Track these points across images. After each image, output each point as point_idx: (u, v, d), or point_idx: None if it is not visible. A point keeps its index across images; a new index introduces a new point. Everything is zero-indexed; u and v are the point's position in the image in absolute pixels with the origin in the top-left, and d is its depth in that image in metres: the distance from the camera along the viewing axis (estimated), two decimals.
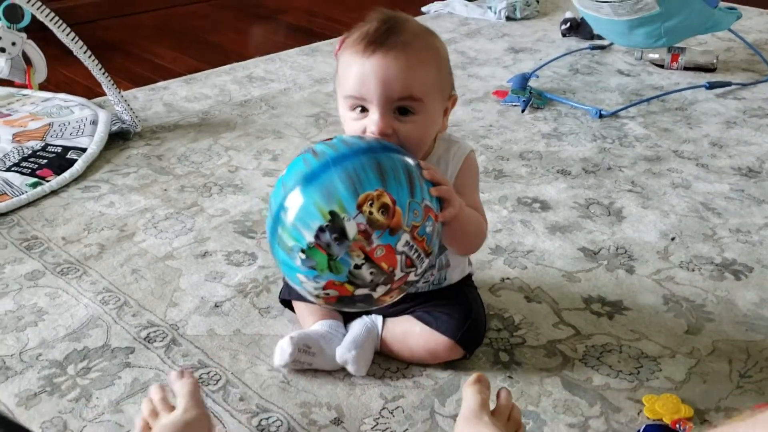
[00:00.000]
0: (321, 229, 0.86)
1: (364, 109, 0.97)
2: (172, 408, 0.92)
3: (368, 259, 0.87)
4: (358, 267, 0.87)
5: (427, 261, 0.93)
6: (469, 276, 1.19)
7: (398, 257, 0.88)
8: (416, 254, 0.90)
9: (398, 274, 0.90)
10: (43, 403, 1.04)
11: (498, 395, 0.97)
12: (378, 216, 0.85)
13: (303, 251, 0.87)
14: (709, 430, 0.61)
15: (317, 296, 0.92)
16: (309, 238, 0.86)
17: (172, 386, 0.96)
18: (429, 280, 1.12)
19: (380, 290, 0.90)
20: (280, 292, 1.22)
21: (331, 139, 0.94)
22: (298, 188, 0.88)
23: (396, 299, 0.96)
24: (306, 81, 2.29)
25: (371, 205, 0.85)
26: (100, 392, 1.06)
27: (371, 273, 0.88)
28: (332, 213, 0.85)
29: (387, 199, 0.86)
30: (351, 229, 0.85)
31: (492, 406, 0.96)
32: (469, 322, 1.11)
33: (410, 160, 0.92)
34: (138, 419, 0.93)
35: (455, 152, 1.07)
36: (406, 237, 0.88)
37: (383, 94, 0.94)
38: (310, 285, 0.91)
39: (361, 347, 1.09)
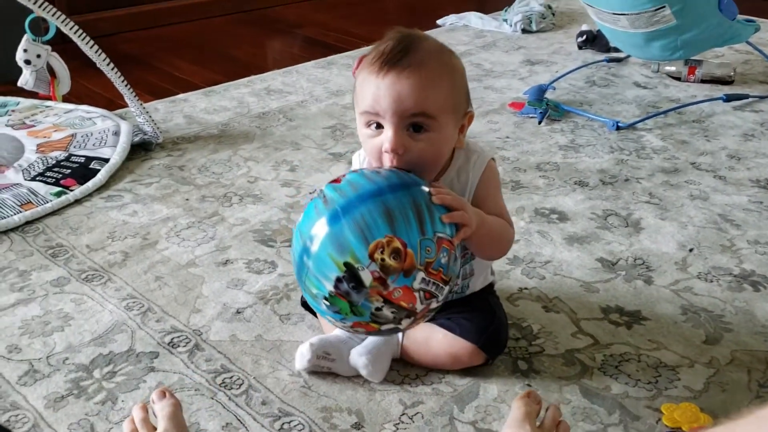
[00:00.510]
0: (338, 280, 0.90)
1: (379, 126, 0.98)
2: (154, 429, 0.93)
3: (387, 301, 0.91)
4: (379, 309, 0.92)
5: (447, 288, 0.96)
6: (491, 285, 1.20)
7: (416, 294, 0.92)
8: (434, 287, 0.93)
9: (419, 307, 0.93)
10: (70, 405, 1.06)
11: (547, 410, 0.99)
12: (390, 262, 0.89)
13: (326, 299, 0.93)
14: (709, 429, 0.62)
15: (349, 331, 1.00)
16: (329, 287, 0.91)
17: (153, 407, 0.95)
18: (453, 289, 1.12)
19: (405, 323, 0.95)
20: (302, 297, 1.24)
21: (340, 180, 0.96)
22: (307, 248, 0.93)
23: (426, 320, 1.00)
24: (322, 93, 2.31)
25: (382, 252, 0.89)
26: (125, 395, 1.08)
27: (392, 312, 0.92)
28: (347, 264, 0.89)
29: (397, 244, 0.89)
30: (366, 277, 0.89)
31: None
32: (492, 327, 1.12)
33: (419, 193, 0.93)
34: None
35: (475, 161, 1.08)
36: (421, 275, 0.91)
37: (397, 109, 0.95)
38: (339, 324, 0.98)
39: (374, 352, 1.10)
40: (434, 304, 0.96)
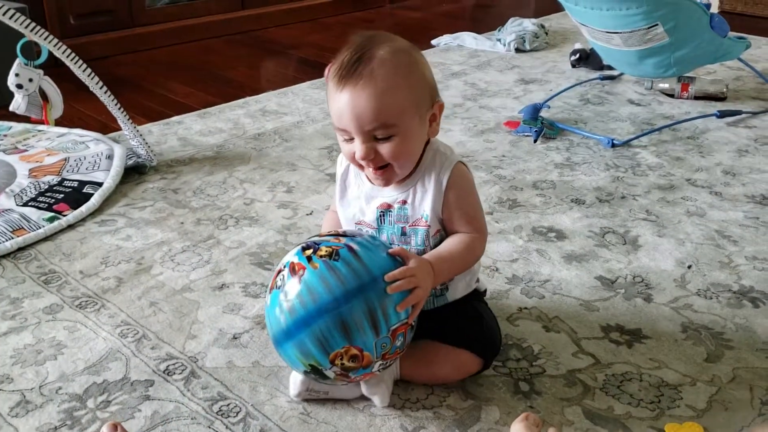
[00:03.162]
0: (306, 373, 1.03)
1: (351, 136, 1.02)
2: None
3: (351, 381, 1.04)
4: (345, 384, 1.06)
5: (405, 349, 1.05)
6: (476, 291, 1.20)
7: (376, 371, 1.03)
8: (392, 360, 1.04)
9: (379, 372, 1.04)
10: None
11: None
12: (349, 364, 0.99)
13: (300, 373, 1.06)
14: None
15: None
16: (301, 371, 1.04)
17: None
18: (432, 293, 1.12)
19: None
20: None
21: (300, 270, 0.99)
22: (282, 340, 1.01)
23: None
24: (318, 114, 2.31)
25: (342, 359, 0.98)
26: None
27: (356, 383, 1.07)
28: (311, 365, 1.00)
29: (354, 351, 0.98)
30: (330, 374, 1.01)
31: None
32: (484, 332, 1.13)
33: (373, 293, 0.98)
34: None
35: (441, 164, 1.08)
36: (378, 363, 1.01)
37: (357, 125, 1.00)
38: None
39: (386, 380, 1.10)
40: (392, 363, 1.07)
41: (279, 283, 1.01)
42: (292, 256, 1.02)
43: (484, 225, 1.12)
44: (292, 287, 0.99)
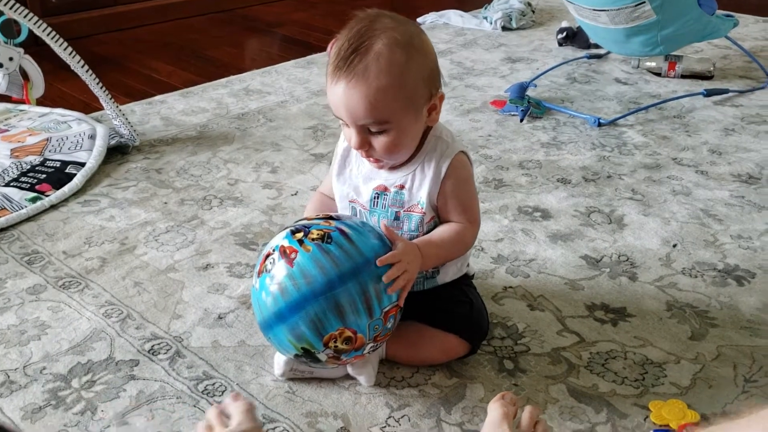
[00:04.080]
0: (297, 356, 1.01)
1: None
2: (227, 426, 0.92)
3: (342, 364, 1.05)
4: (335, 366, 1.06)
5: (393, 329, 1.05)
6: (466, 276, 1.20)
7: (367, 354, 1.03)
8: (382, 342, 1.04)
9: (370, 353, 1.04)
10: (48, 416, 1.04)
11: (524, 411, 0.98)
12: (343, 347, 0.99)
13: (290, 357, 1.04)
14: (705, 429, 0.61)
15: None
16: (291, 355, 1.03)
17: (227, 410, 0.95)
18: (422, 274, 1.13)
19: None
20: None
21: (292, 254, 0.98)
22: (273, 324, 1.00)
23: None
24: (303, 93, 2.29)
25: (335, 341, 0.98)
26: (105, 405, 1.06)
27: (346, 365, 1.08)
28: (304, 348, 0.99)
29: (348, 333, 0.98)
30: (322, 357, 1.00)
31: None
32: (472, 316, 1.14)
33: (367, 276, 0.98)
34: None
35: (441, 153, 1.07)
36: (370, 345, 1.01)
37: (351, 118, 1.00)
38: None
39: (372, 360, 1.10)
40: (381, 345, 1.08)
41: (269, 266, 1.00)
42: (281, 240, 1.01)
43: (478, 216, 1.12)
44: (284, 270, 0.98)
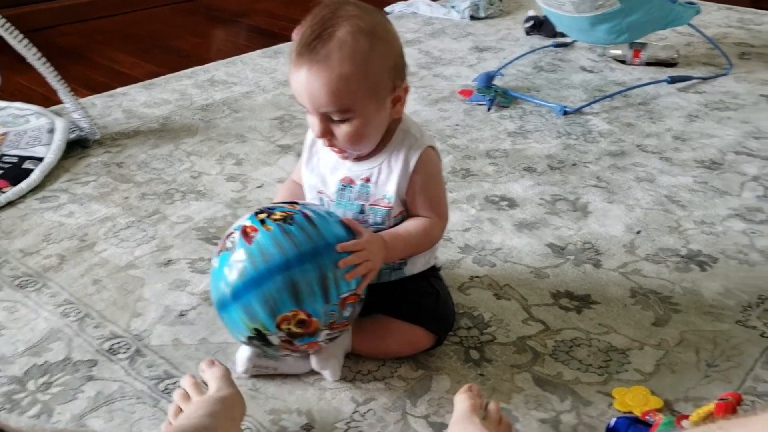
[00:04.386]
0: (250, 338, 1.00)
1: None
2: (204, 393, 0.95)
3: (295, 350, 1.01)
4: (287, 354, 1.04)
5: (352, 322, 1.05)
6: (434, 267, 1.19)
7: (321, 342, 1.02)
8: (338, 332, 1.02)
9: (324, 344, 1.03)
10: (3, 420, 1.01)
11: (487, 405, 0.99)
12: (296, 330, 0.97)
13: (243, 340, 1.02)
14: (711, 423, 0.61)
15: None
16: (243, 338, 1.01)
17: (203, 376, 0.97)
18: (390, 266, 1.12)
19: (311, 352, 1.05)
20: None
21: (251, 237, 0.97)
22: (228, 303, 0.98)
23: None
24: (269, 83, 2.27)
25: (289, 323, 0.96)
26: (62, 407, 1.03)
27: (299, 354, 1.04)
28: (256, 329, 0.97)
29: (303, 316, 0.96)
30: (274, 340, 0.98)
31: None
32: (438, 307, 1.13)
33: (327, 259, 0.97)
34: (170, 407, 0.96)
35: (410, 147, 1.06)
36: (324, 332, 0.99)
37: (312, 105, 0.99)
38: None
39: (336, 353, 1.09)
40: (338, 335, 1.04)
41: (229, 245, 0.99)
42: (244, 221, 1.01)
43: (446, 212, 1.12)
44: (243, 249, 0.97)
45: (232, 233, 1.00)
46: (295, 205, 1.02)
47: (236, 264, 0.97)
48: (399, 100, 1.04)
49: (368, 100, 0.99)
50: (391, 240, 1.05)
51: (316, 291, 0.96)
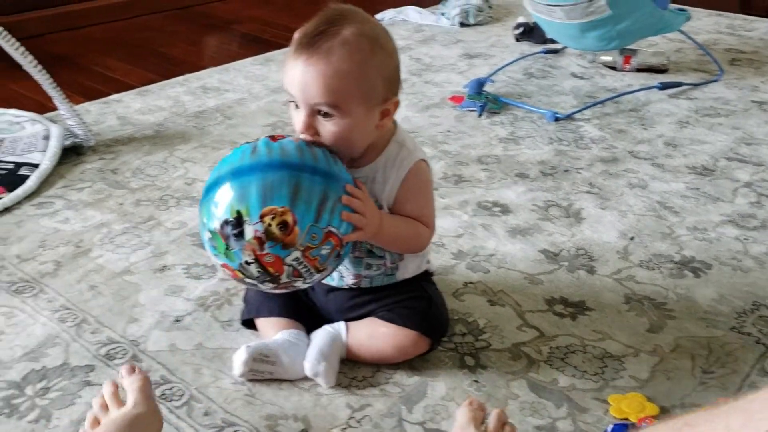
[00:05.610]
0: (226, 222, 0.96)
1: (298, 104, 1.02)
2: (123, 404, 0.92)
3: (257, 260, 0.96)
4: (248, 263, 0.97)
5: (318, 275, 1.01)
6: (426, 272, 1.20)
7: (286, 267, 0.97)
8: (305, 269, 0.98)
9: (284, 279, 0.99)
10: (1, 425, 1.01)
11: (492, 414, 0.98)
12: (275, 230, 0.94)
13: (210, 232, 0.98)
14: (682, 417, 0.61)
15: (219, 270, 1.04)
16: (215, 225, 0.97)
17: (121, 382, 0.95)
18: (382, 270, 1.12)
19: (266, 286, 1.01)
20: (242, 313, 1.21)
21: (276, 139, 1.00)
22: (224, 178, 0.97)
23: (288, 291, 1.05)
24: (261, 90, 2.27)
25: (273, 218, 0.94)
26: (60, 412, 1.03)
27: (258, 271, 0.98)
28: (239, 213, 0.95)
29: (289, 218, 0.95)
30: (248, 232, 0.95)
31: None
32: (431, 312, 1.14)
33: (335, 187, 0.98)
34: (88, 414, 0.93)
35: (403, 159, 1.08)
36: (297, 254, 0.96)
37: (302, 97, 0.99)
38: (213, 259, 1.02)
39: (330, 359, 1.09)
40: (300, 284, 1.01)
41: (251, 142, 1.01)
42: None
43: (433, 223, 1.13)
44: (265, 142, 0.99)
45: (257, 140, 1.02)
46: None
47: (253, 148, 0.99)
48: (387, 114, 1.05)
49: (358, 102, 1.00)
50: (387, 219, 1.06)
51: (313, 203, 0.96)
